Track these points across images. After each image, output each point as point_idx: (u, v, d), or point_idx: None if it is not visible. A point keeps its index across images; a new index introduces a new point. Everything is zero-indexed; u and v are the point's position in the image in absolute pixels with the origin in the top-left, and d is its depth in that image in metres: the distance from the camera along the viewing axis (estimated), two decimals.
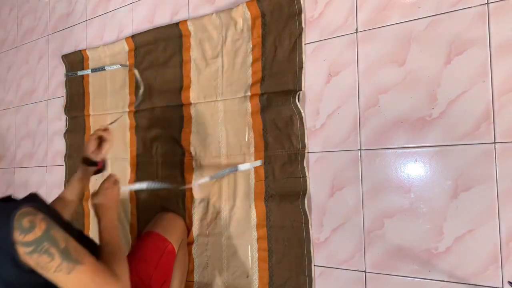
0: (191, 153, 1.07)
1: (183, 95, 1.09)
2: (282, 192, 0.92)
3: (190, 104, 1.08)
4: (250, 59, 0.98)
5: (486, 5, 0.73)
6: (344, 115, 0.87)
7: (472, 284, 0.72)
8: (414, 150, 0.79)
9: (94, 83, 1.33)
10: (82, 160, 0.84)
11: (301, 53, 0.92)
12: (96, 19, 1.38)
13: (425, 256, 0.77)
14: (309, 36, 0.93)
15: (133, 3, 1.27)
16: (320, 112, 0.90)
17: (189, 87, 1.09)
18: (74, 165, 1.36)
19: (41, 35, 1.58)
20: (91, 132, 1.32)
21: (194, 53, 1.09)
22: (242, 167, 0.97)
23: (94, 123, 1.32)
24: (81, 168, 0.84)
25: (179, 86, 1.11)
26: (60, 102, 1.46)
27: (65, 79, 1.43)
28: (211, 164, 1.04)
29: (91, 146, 0.84)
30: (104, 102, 1.29)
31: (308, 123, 0.91)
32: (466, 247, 0.73)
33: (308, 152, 0.91)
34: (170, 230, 0.96)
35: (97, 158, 0.84)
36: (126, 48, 1.23)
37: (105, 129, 0.86)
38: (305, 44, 0.92)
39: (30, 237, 0.50)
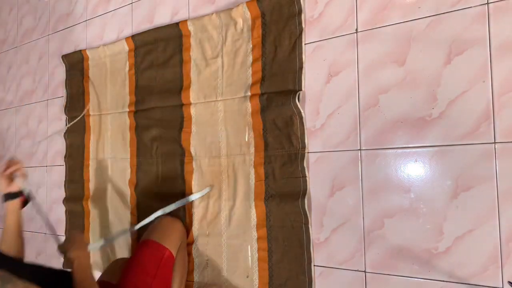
0: (191, 153, 1.07)
1: (183, 95, 1.09)
2: (282, 192, 0.92)
3: (190, 104, 1.08)
4: (250, 59, 0.98)
5: (486, 5, 0.73)
6: (344, 115, 0.87)
7: (472, 284, 0.72)
8: (414, 150, 0.79)
9: (94, 83, 1.33)
10: (3, 198, 0.83)
11: (301, 53, 0.92)
12: (96, 19, 1.38)
13: (425, 256, 0.77)
14: (309, 36, 0.93)
15: (133, 3, 1.27)
16: (320, 112, 0.90)
17: (189, 87, 1.09)
18: (74, 165, 1.36)
19: (41, 35, 1.58)
20: (91, 132, 1.32)
21: (194, 53, 1.09)
22: (193, 197, 1.02)
23: (94, 123, 1.32)
24: (5, 205, 0.83)
25: (179, 86, 1.11)
26: (60, 102, 1.46)
27: (65, 79, 1.43)
28: (211, 164, 1.04)
29: (3, 183, 0.82)
30: (104, 102, 1.29)
31: (308, 123, 0.91)
32: (466, 247, 0.73)
33: (308, 152, 0.91)
34: (167, 235, 0.95)
35: (14, 189, 0.83)
36: (126, 48, 1.23)
37: (9, 163, 0.84)
38: (305, 44, 0.92)
39: None
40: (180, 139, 1.09)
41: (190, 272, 1.05)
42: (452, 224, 0.75)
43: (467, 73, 0.75)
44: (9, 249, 0.79)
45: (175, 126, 1.10)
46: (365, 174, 0.84)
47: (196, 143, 1.07)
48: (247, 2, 0.97)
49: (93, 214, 1.29)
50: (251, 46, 0.98)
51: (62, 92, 1.45)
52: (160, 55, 1.15)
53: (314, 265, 0.89)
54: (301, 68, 0.91)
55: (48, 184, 1.48)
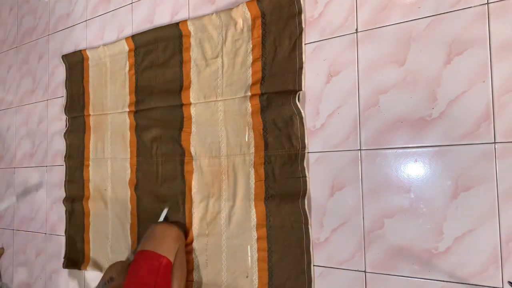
0: (191, 153, 1.07)
1: (183, 95, 1.09)
2: (282, 192, 0.92)
3: (190, 104, 1.08)
4: (250, 59, 0.98)
5: (486, 5, 0.73)
6: (344, 115, 0.87)
7: (472, 284, 0.72)
8: (414, 150, 0.79)
9: (94, 83, 1.33)
10: None
11: (301, 53, 0.92)
12: (96, 19, 1.38)
13: (425, 256, 0.77)
14: (309, 36, 0.93)
15: (133, 3, 1.27)
16: (320, 112, 0.90)
17: (189, 87, 1.09)
18: (74, 165, 1.36)
19: (41, 35, 1.58)
20: (91, 132, 1.32)
21: (194, 53, 1.09)
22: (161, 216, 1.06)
23: (94, 123, 1.32)
24: None
25: (179, 86, 1.11)
26: (60, 102, 1.46)
27: (65, 79, 1.43)
28: (211, 164, 1.04)
29: None
30: (104, 102, 1.29)
31: (308, 123, 0.91)
32: (466, 247, 0.73)
33: (308, 152, 0.91)
34: (162, 242, 0.94)
35: None
36: (126, 48, 1.23)
37: None
38: (305, 44, 0.92)
39: None
40: (180, 139, 1.09)
41: (189, 272, 1.04)
42: (452, 224, 0.75)
43: (467, 73, 0.75)
44: None
45: (175, 126, 1.10)
46: (365, 174, 0.84)
47: (196, 143, 1.07)
48: (247, 2, 0.98)
49: (93, 214, 1.29)
50: (251, 46, 0.98)
51: (62, 92, 1.45)
52: (160, 55, 1.15)
53: (314, 265, 0.89)
54: (301, 68, 0.91)
55: (48, 184, 1.48)
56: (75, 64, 1.39)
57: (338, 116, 0.88)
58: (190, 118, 1.08)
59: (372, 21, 0.85)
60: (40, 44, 1.58)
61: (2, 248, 1.65)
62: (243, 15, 0.99)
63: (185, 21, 1.10)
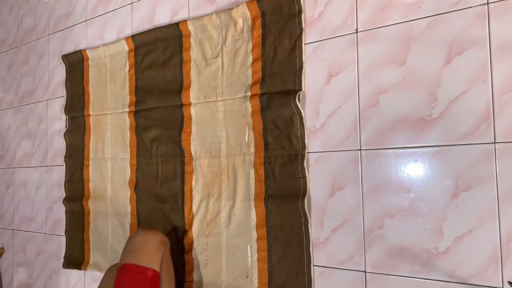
0: (191, 153, 1.07)
1: (183, 95, 1.09)
2: (282, 192, 0.92)
3: (190, 104, 1.08)
4: (250, 59, 0.98)
5: (486, 5, 0.73)
6: (344, 115, 0.87)
7: (472, 284, 0.72)
8: (414, 150, 0.79)
9: (94, 83, 1.33)
10: None
11: (301, 53, 0.92)
12: (96, 19, 1.38)
13: (425, 256, 0.77)
14: (309, 36, 0.93)
15: (133, 3, 1.27)
16: (320, 112, 0.90)
17: (189, 87, 1.09)
18: (74, 165, 1.36)
19: (41, 35, 1.58)
20: (91, 132, 1.32)
21: (194, 53, 1.09)
22: None
23: (94, 123, 1.32)
24: None
25: (179, 86, 1.11)
26: (60, 102, 1.46)
27: (65, 79, 1.43)
28: (211, 164, 1.04)
29: None
30: (104, 102, 1.29)
31: (308, 123, 0.91)
32: (466, 247, 0.73)
33: (308, 152, 0.91)
34: (144, 253, 0.86)
35: None
36: (126, 48, 1.23)
37: None
38: (305, 44, 0.92)
39: None
40: (180, 139, 1.09)
41: (189, 272, 1.04)
42: (452, 224, 0.75)
43: (467, 73, 0.75)
44: None
45: (175, 126, 1.10)
46: (365, 174, 0.84)
47: (196, 143, 1.07)
48: (247, 2, 0.98)
49: (93, 214, 1.29)
50: (251, 46, 0.98)
51: (62, 92, 1.45)
52: (160, 55, 1.15)
53: (314, 265, 0.89)
54: (301, 68, 0.91)
55: (48, 184, 1.48)
56: (75, 64, 1.39)
57: (338, 116, 0.88)
58: (190, 118, 1.08)
59: (372, 21, 0.85)
60: (40, 44, 1.58)
61: (2, 248, 1.65)
62: (243, 15, 0.99)
63: (185, 21, 1.10)
